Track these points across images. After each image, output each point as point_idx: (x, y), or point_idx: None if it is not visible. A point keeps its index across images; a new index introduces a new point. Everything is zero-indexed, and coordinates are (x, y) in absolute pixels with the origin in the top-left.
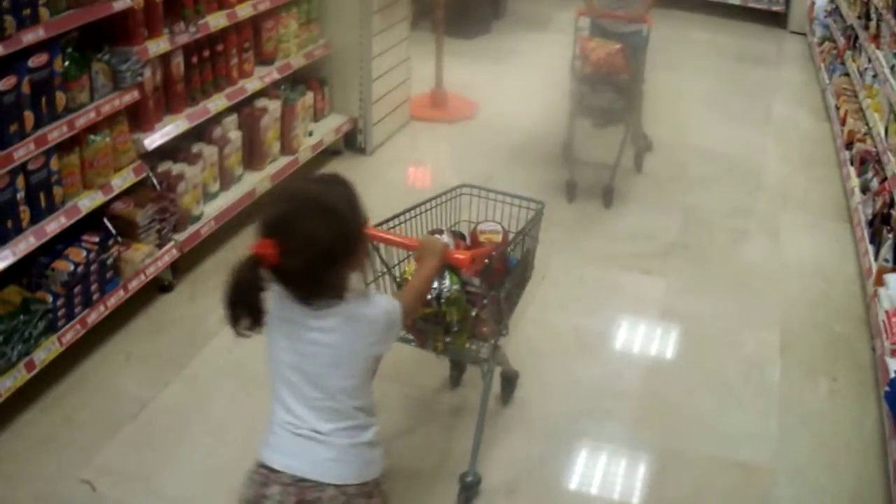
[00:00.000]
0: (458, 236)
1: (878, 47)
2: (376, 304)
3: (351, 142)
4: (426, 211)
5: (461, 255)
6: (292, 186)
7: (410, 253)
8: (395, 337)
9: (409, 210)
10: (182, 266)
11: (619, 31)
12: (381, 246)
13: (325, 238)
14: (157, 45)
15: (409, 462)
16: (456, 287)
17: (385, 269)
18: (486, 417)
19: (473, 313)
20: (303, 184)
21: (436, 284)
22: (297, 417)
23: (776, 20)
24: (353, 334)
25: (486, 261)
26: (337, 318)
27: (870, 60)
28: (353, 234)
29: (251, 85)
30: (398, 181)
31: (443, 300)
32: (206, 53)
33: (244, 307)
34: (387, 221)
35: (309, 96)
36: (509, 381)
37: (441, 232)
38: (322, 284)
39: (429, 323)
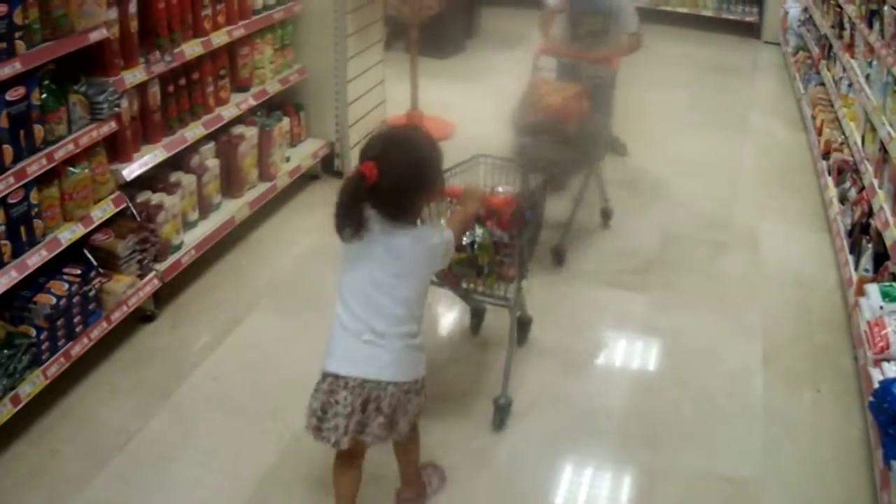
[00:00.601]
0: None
1: (852, 56)
2: (439, 232)
3: (328, 166)
4: (448, 178)
5: (498, 199)
6: (392, 129)
7: (451, 203)
8: (449, 259)
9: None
10: (164, 295)
11: (591, 72)
12: None
13: (412, 166)
14: (134, 76)
15: (447, 390)
16: (486, 234)
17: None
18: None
19: (499, 259)
20: (400, 128)
21: (468, 234)
22: (362, 323)
23: (750, 30)
24: (419, 253)
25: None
26: (409, 238)
27: (844, 70)
28: (432, 170)
29: (228, 112)
30: None
31: (476, 246)
32: (183, 82)
33: (351, 217)
34: None
35: (285, 122)
36: (523, 326)
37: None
38: (404, 206)
39: (463, 267)
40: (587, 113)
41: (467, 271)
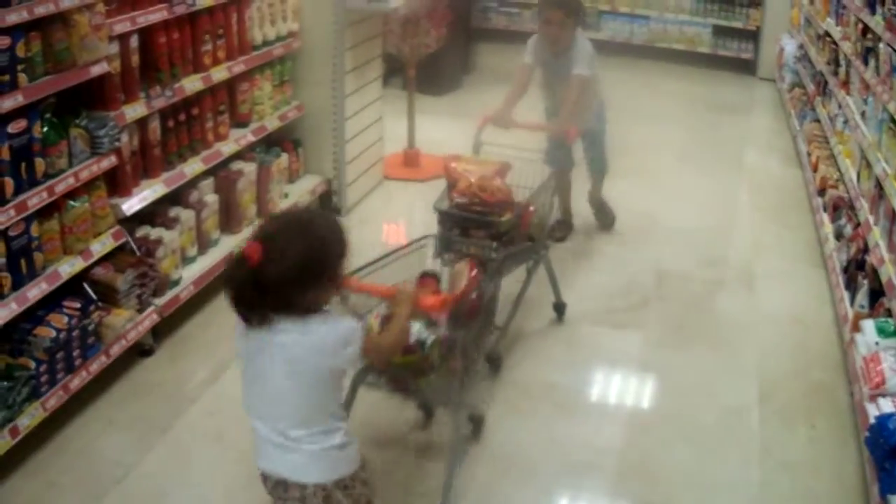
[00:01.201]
0: (431, 276)
1: (847, 93)
2: (332, 321)
3: (326, 202)
4: (393, 261)
5: (432, 301)
6: (291, 210)
7: (380, 302)
8: (353, 356)
9: (376, 261)
10: (162, 330)
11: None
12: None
13: (301, 255)
14: (134, 110)
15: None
16: (431, 330)
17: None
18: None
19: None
20: (300, 210)
21: (418, 333)
22: (270, 428)
23: (745, 67)
24: (308, 347)
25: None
26: (295, 334)
27: (840, 106)
28: (327, 263)
29: (227, 148)
30: (373, 241)
31: (426, 346)
32: (183, 117)
33: (243, 304)
34: (355, 272)
35: (284, 158)
36: (477, 423)
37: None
38: (287, 298)
39: (409, 369)
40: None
41: (415, 373)
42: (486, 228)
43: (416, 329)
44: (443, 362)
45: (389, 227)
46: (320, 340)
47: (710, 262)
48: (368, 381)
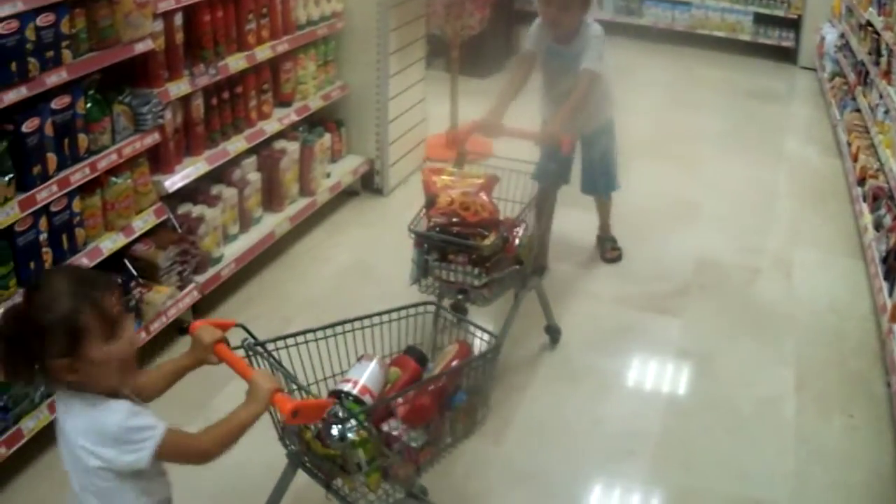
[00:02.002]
0: (416, 357)
1: (889, 83)
2: (106, 408)
3: (368, 183)
4: (387, 322)
5: (282, 406)
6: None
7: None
8: (131, 457)
9: (368, 317)
10: (202, 308)
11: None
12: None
13: (41, 313)
14: (178, 88)
15: None
16: (366, 426)
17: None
18: None
19: (391, 453)
20: (78, 269)
21: (336, 428)
22: None
23: (786, 56)
24: (70, 431)
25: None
26: (62, 407)
27: (881, 96)
28: (61, 333)
29: (270, 127)
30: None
31: (347, 441)
32: (226, 95)
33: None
34: (337, 325)
35: (327, 138)
36: None
37: (370, 357)
38: (21, 364)
39: (325, 462)
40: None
41: (330, 468)
42: (466, 252)
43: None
44: (376, 465)
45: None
46: (79, 427)
47: (749, 250)
48: (305, 465)
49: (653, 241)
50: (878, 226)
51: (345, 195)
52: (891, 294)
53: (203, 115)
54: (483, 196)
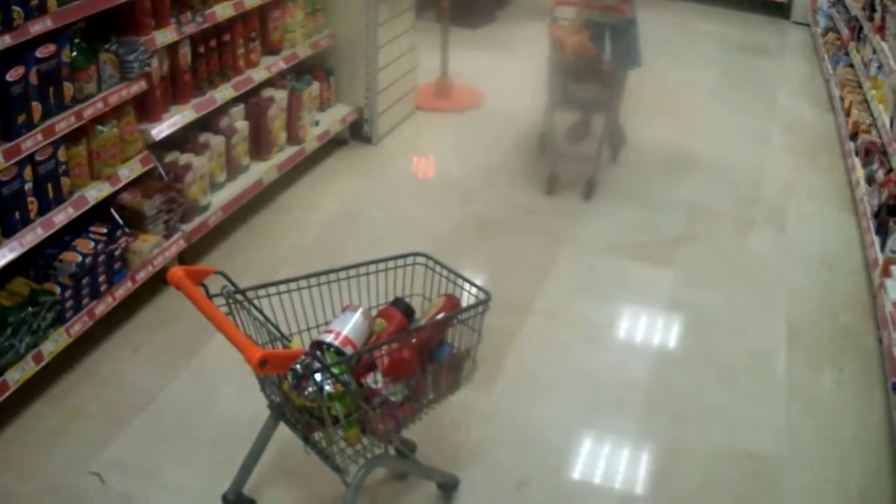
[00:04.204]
0: (403, 309)
1: (882, 39)
2: None
3: (357, 132)
4: (375, 273)
5: (255, 353)
6: None
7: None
8: None
9: (355, 266)
10: (189, 256)
11: (606, 20)
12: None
13: None
14: (165, 36)
15: None
16: (345, 378)
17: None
18: None
19: (371, 408)
20: None
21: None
22: None
23: (779, 10)
24: None
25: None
26: None
27: (874, 52)
28: None
29: (258, 75)
30: (404, 171)
31: (324, 393)
32: (213, 43)
33: None
34: (322, 274)
35: (315, 86)
36: (445, 488)
37: (354, 308)
38: None
39: (304, 415)
40: (615, 53)
41: (308, 420)
42: (593, 74)
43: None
44: (353, 419)
45: (421, 160)
46: None
47: (742, 202)
48: (286, 417)
49: (646, 191)
50: (870, 180)
51: (334, 144)
52: (882, 248)
53: (190, 63)
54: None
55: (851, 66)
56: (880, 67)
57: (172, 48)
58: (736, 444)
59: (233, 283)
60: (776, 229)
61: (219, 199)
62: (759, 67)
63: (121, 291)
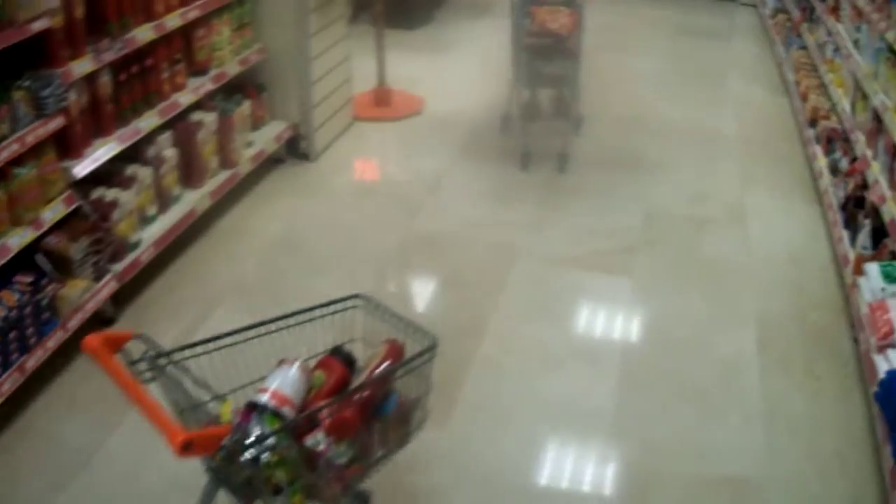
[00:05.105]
0: (343, 358)
1: (837, 20)
2: None
3: (293, 149)
4: (310, 321)
5: (177, 436)
6: None
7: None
8: None
9: (289, 316)
10: (124, 296)
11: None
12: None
13: None
14: (82, 66)
15: None
16: (285, 444)
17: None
18: None
19: (316, 474)
20: None
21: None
22: None
23: None
24: None
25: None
26: None
27: (829, 33)
28: None
29: (185, 98)
30: (345, 188)
31: (262, 462)
32: (135, 69)
33: None
34: (251, 329)
35: (246, 105)
36: None
37: (291, 362)
38: None
39: (242, 486)
40: (577, 28)
41: (247, 491)
42: (560, 52)
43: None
44: (298, 486)
45: (363, 174)
46: None
47: (699, 199)
48: (226, 484)
49: (598, 193)
50: (833, 169)
51: (269, 163)
52: (852, 243)
53: (111, 93)
54: (568, 19)
55: (805, 48)
56: (837, 50)
57: (91, 78)
58: (713, 470)
59: (156, 347)
60: (737, 227)
61: (150, 234)
62: (709, 52)
63: (52, 342)
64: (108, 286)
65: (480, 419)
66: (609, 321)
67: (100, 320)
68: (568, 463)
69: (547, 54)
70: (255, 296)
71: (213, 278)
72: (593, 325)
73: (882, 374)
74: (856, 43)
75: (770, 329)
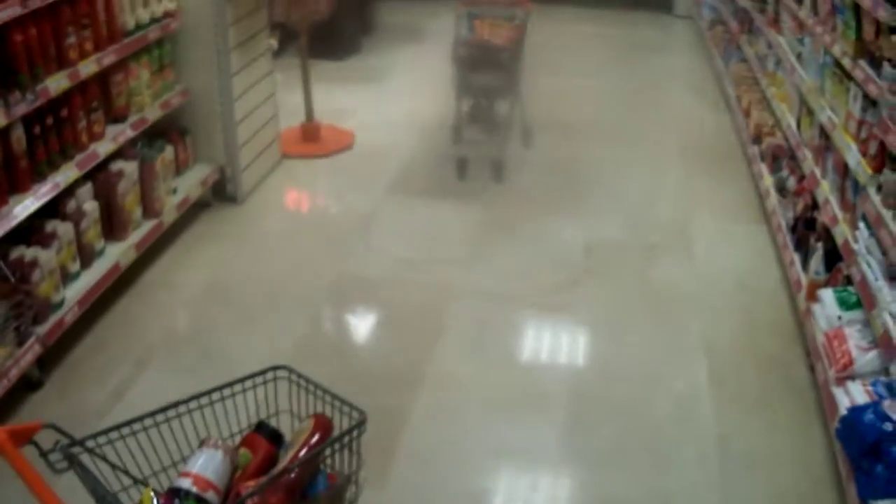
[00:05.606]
0: (268, 435)
1: (778, 32)
2: None
3: (220, 191)
4: (231, 396)
5: None
6: None
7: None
8: None
9: (208, 393)
10: (50, 358)
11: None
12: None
13: None
14: None
15: None
16: None
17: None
18: None
19: None
20: None
21: None
22: None
23: (662, 4)
24: None
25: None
26: None
27: (770, 46)
28: None
29: (104, 148)
30: (273, 231)
31: None
32: (50, 121)
33: None
34: (171, 408)
35: (169, 150)
36: None
37: (214, 442)
38: None
39: None
40: (516, 43)
41: None
42: (490, 64)
43: None
44: None
45: (292, 215)
46: None
47: (641, 226)
48: None
49: (534, 226)
50: (780, 188)
51: (195, 209)
52: (804, 267)
53: (25, 148)
54: (508, 33)
55: (745, 61)
56: (779, 63)
57: (3, 133)
58: None
59: (68, 436)
60: (683, 251)
61: (74, 292)
62: (646, 68)
63: None
64: (31, 350)
65: (421, 478)
66: (554, 360)
67: (26, 385)
68: None
69: (477, 65)
70: (187, 351)
71: (142, 334)
72: (538, 365)
73: (843, 410)
74: (798, 56)
75: (722, 359)
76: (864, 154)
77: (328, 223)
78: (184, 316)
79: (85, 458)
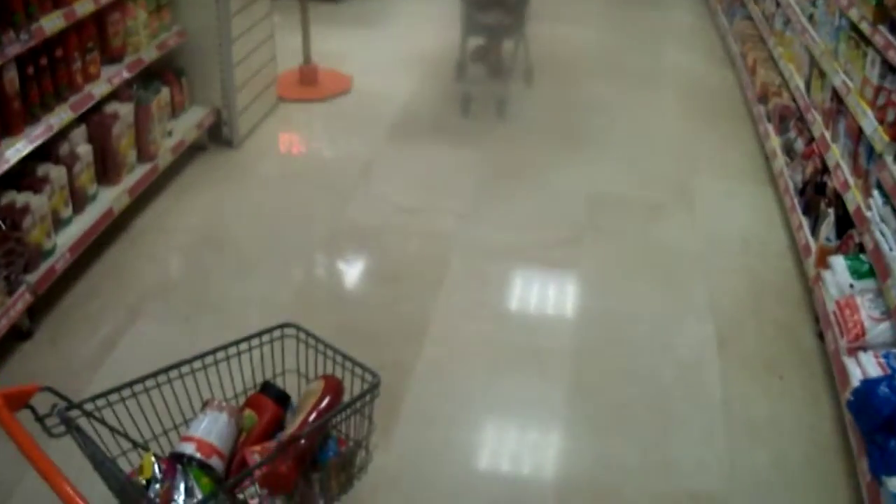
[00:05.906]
0: (274, 395)
1: None
2: None
3: (216, 135)
4: (237, 355)
5: None
6: None
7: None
8: None
9: (212, 352)
10: (40, 307)
11: None
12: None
13: None
14: None
15: None
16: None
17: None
18: None
19: None
20: None
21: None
22: None
23: None
24: None
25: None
26: None
27: (778, 4)
28: None
29: (99, 89)
30: (270, 176)
31: None
32: (44, 61)
33: None
34: (173, 369)
35: (165, 92)
36: None
37: (217, 404)
38: None
39: None
40: None
41: None
42: (497, 4)
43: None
44: None
45: (289, 160)
46: None
47: (645, 183)
48: None
49: (538, 176)
50: (787, 150)
51: (191, 152)
52: (813, 232)
53: (18, 89)
54: None
55: (750, 18)
56: (787, 23)
57: None
58: (675, 484)
59: (66, 399)
60: (687, 211)
61: (66, 239)
62: (647, 23)
63: None
64: (22, 299)
65: (426, 436)
66: (557, 318)
67: (16, 335)
68: (518, 486)
69: (485, 5)
70: (180, 299)
71: (134, 282)
72: (541, 323)
73: (855, 381)
74: (811, 17)
75: (728, 324)
76: (881, 121)
77: (326, 169)
78: (177, 263)
79: (83, 422)
